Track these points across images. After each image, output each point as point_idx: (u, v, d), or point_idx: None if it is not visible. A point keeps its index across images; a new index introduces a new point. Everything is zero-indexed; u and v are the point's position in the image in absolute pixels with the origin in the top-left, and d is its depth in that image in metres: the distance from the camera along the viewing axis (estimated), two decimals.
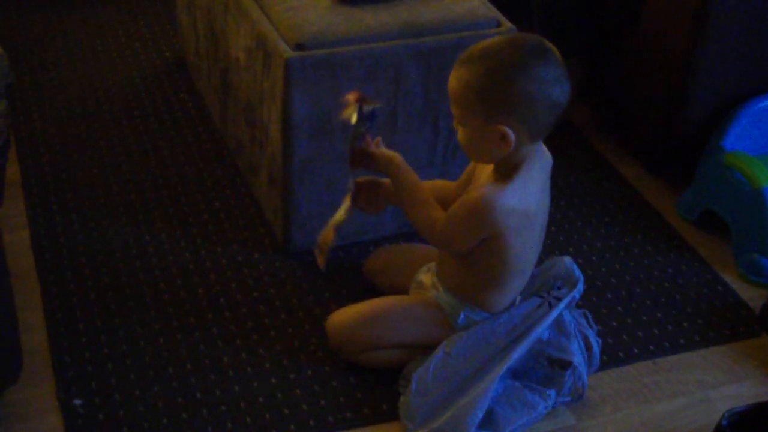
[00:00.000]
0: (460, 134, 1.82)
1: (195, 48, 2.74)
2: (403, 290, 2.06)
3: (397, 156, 1.90)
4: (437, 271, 2.00)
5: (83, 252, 2.24)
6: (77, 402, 1.89)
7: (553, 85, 1.74)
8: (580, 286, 1.98)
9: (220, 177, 2.50)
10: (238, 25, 2.29)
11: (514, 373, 1.92)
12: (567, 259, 2.01)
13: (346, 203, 1.95)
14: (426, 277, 2.02)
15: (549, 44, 1.77)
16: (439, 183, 2.05)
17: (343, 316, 1.97)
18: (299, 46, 2.06)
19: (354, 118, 1.85)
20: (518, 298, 1.96)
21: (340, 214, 1.95)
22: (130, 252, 2.25)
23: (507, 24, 2.19)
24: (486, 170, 1.88)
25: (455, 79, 1.77)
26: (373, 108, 1.86)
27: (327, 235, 1.97)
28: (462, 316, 1.93)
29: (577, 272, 1.99)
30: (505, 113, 1.74)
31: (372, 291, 2.13)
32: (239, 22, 2.27)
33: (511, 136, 1.75)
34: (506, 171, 1.82)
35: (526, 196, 1.82)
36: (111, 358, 1.98)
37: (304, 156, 2.14)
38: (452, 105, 1.80)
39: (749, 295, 2.25)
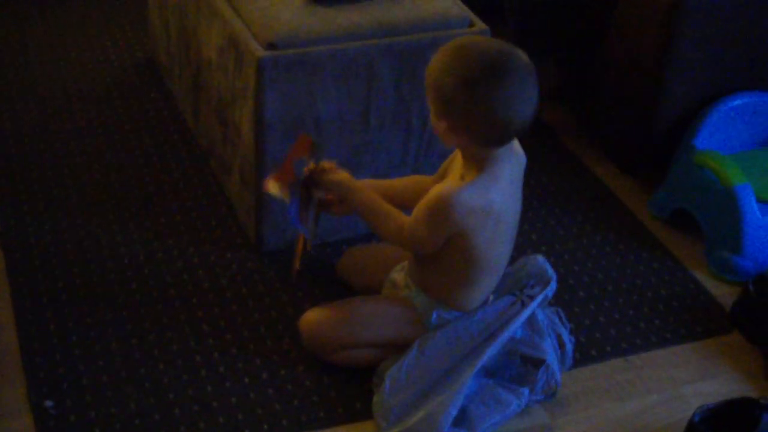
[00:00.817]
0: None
1: (166, 47, 2.73)
2: (376, 289, 2.06)
3: (345, 179, 1.91)
4: (409, 271, 2.00)
5: (54, 252, 2.23)
6: (48, 403, 1.87)
7: (503, 105, 1.72)
8: (553, 285, 1.98)
9: (192, 177, 2.49)
10: (209, 25, 2.28)
11: (488, 371, 1.92)
12: (540, 258, 2.02)
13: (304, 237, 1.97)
14: (399, 276, 2.02)
15: (520, 61, 1.73)
16: (416, 178, 2.05)
17: (317, 315, 1.97)
18: (271, 46, 2.05)
19: (287, 198, 1.89)
20: (491, 297, 1.96)
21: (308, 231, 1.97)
22: (102, 252, 2.24)
23: (479, 24, 2.20)
24: (457, 167, 1.88)
25: (434, 61, 1.77)
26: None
27: (298, 250, 1.99)
28: (434, 315, 1.93)
29: (550, 271, 2.00)
30: (447, 114, 1.76)
31: (345, 290, 2.13)
32: (211, 21, 2.27)
33: (449, 132, 1.77)
34: (473, 166, 1.82)
35: (488, 194, 1.81)
36: (82, 359, 1.97)
37: (276, 155, 2.13)
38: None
39: (720, 292, 2.26)
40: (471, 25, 2.19)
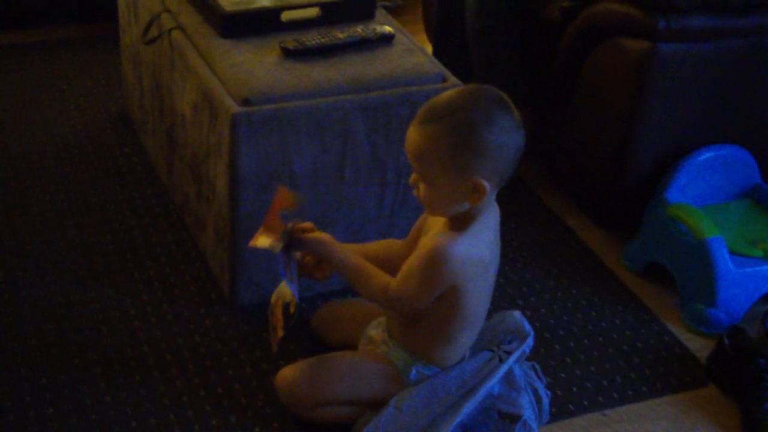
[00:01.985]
0: (423, 191, 1.79)
1: (140, 102, 2.73)
2: (352, 345, 2.05)
3: (326, 239, 1.88)
4: (387, 326, 1.99)
5: (27, 309, 2.20)
6: None
7: (516, 132, 1.77)
8: (530, 341, 1.98)
9: (165, 232, 2.48)
10: (184, 80, 2.28)
11: (465, 428, 1.91)
12: (517, 313, 2.01)
13: (287, 291, 1.93)
14: (376, 332, 2.01)
15: (503, 93, 1.80)
16: (387, 242, 2.05)
17: (293, 372, 1.95)
18: (246, 102, 2.06)
19: (278, 246, 1.85)
20: (468, 353, 1.96)
21: (285, 293, 1.93)
22: (74, 309, 2.22)
23: (453, 79, 2.21)
24: (437, 223, 1.88)
25: (421, 137, 1.76)
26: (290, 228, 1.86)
27: (277, 317, 1.94)
28: (414, 371, 1.92)
29: (527, 326, 1.99)
30: (479, 165, 1.75)
31: (321, 346, 2.12)
32: (185, 77, 2.27)
33: (487, 186, 1.76)
34: (461, 222, 1.82)
35: (481, 245, 1.83)
36: (55, 417, 1.94)
37: (251, 211, 2.13)
38: (417, 163, 1.78)
39: (695, 345, 2.27)
40: (444, 80, 2.21)
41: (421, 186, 1.80)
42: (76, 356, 2.09)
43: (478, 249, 1.82)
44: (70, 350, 2.11)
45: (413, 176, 1.82)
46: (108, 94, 3.06)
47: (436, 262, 1.79)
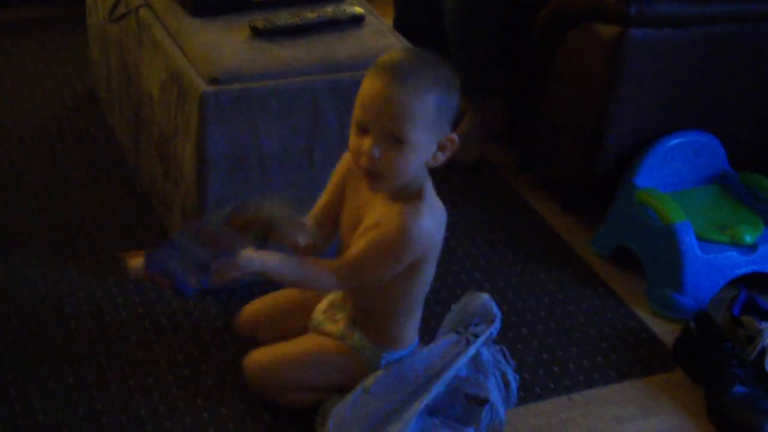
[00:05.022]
0: (394, 155, 1.68)
1: (107, 82, 2.71)
2: (294, 334, 2.00)
3: (249, 263, 1.72)
4: (349, 318, 1.95)
5: None
6: None
7: None
8: (497, 323, 1.97)
9: (132, 213, 2.46)
10: (151, 60, 2.26)
11: (432, 410, 1.91)
12: (485, 296, 2.00)
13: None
14: (332, 326, 1.96)
15: None
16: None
17: (263, 358, 1.93)
18: (215, 81, 2.04)
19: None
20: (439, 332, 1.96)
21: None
22: (40, 290, 2.20)
23: None
24: (379, 197, 1.81)
25: (406, 93, 1.65)
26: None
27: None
28: (383, 361, 1.91)
29: (495, 309, 1.98)
30: (450, 120, 1.73)
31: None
32: (153, 56, 2.25)
33: (457, 140, 1.74)
34: (415, 191, 1.78)
35: (440, 207, 1.82)
36: (18, 400, 1.92)
37: (219, 192, 2.11)
38: (397, 122, 1.66)
39: (662, 329, 2.28)
40: None
41: (390, 151, 1.69)
42: (40, 338, 2.07)
43: (440, 213, 1.80)
44: (34, 332, 2.08)
45: (369, 141, 1.70)
46: (75, 73, 3.03)
47: (406, 242, 1.75)
